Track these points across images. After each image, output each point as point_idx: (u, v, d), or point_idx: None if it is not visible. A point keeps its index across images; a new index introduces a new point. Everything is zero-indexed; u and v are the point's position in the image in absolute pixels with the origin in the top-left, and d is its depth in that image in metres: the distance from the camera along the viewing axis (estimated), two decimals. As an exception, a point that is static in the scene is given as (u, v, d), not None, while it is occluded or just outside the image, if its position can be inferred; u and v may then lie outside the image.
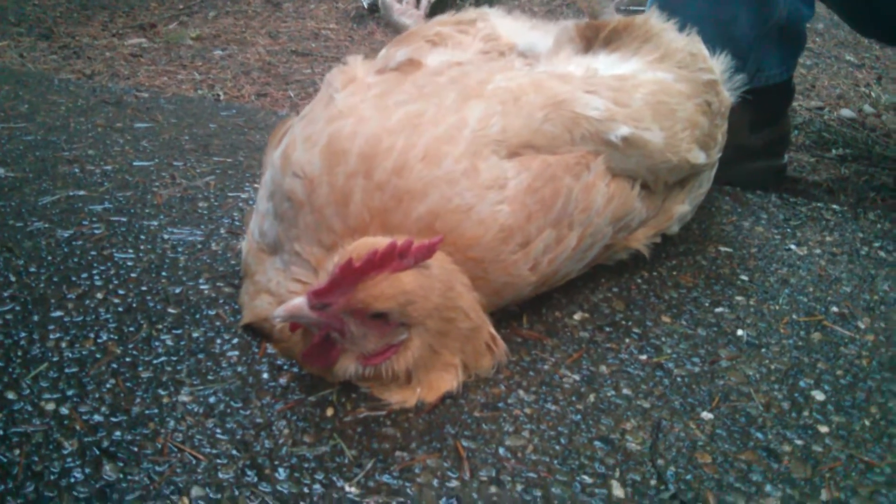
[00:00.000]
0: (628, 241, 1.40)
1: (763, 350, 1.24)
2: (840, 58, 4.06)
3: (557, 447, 1.00)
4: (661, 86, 1.34)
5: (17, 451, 0.93)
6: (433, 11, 3.93)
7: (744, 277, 1.48)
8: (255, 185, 1.75)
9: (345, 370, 1.05)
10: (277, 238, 1.19)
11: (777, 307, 1.38)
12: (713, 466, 0.98)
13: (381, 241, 0.98)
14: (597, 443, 1.01)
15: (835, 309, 1.38)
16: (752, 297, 1.40)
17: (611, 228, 1.33)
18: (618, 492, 0.93)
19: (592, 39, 1.40)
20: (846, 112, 3.18)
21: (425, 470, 0.95)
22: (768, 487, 0.95)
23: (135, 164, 1.82)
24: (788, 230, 1.69)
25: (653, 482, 0.95)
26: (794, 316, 1.35)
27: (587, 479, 0.95)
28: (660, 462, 0.98)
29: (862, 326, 1.34)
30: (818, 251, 1.61)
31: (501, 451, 0.99)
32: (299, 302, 0.95)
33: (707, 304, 1.37)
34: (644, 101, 1.30)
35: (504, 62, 1.36)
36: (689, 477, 0.96)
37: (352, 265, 0.94)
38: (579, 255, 1.29)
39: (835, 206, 1.87)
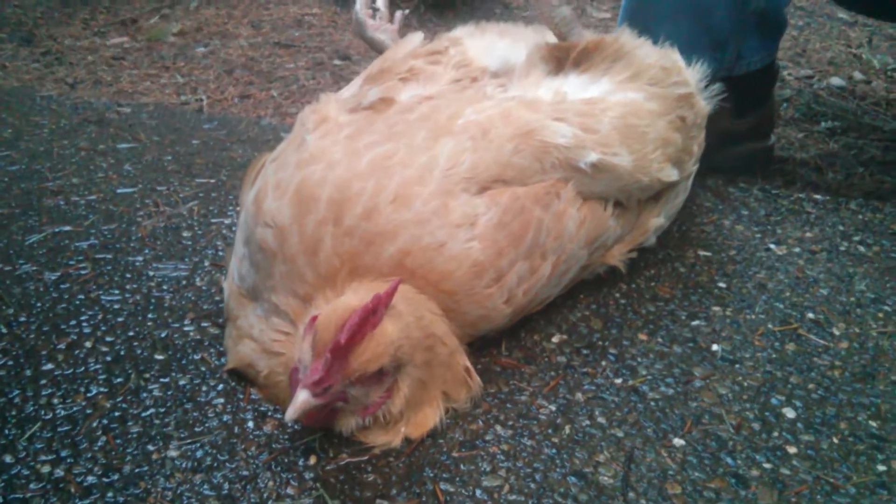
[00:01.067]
0: (605, 258, 1.43)
1: (737, 366, 1.27)
2: (832, 16, 4.03)
3: (532, 485, 1.03)
4: (631, 107, 1.35)
5: (13, 521, 0.97)
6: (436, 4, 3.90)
7: (721, 285, 1.50)
8: (238, 209, 1.77)
9: (347, 426, 1.09)
10: (255, 286, 1.21)
11: (753, 316, 1.40)
12: (682, 497, 1.02)
13: (351, 304, 1.00)
14: (571, 478, 1.05)
15: (810, 315, 1.41)
16: (728, 307, 1.43)
17: (586, 251, 1.35)
18: (591, 531, 0.97)
19: (563, 60, 1.41)
20: (836, 80, 3.17)
21: (406, 517, 0.98)
22: (736, 518, 0.99)
23: (119, 191, 1.85)
24: (769, 227, 1.71)
25: (624, 518, 0.99)
26: (770, 325, 1.38)
27: (561, 519, 0.98)
28: (631, 495, 1.02)
29: (836, 333, 1.37)
30: (797, 249, 1.63)
31: (478, 492, 1.02)
32: (304, 397, 0.97)
33: (684, 318, 1.40)
34: (612, 125, 1.31)
35: (475, 90, 1.37)
36: (659, 511, 1.00)
37: (339, 345, 0.96)
38: (555, 281, 1.32)
39: (817, 197, 1.89)
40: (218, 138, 2.19)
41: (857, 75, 3.15)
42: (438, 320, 1.12)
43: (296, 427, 1.10)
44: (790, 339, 1.34)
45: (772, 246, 1.64)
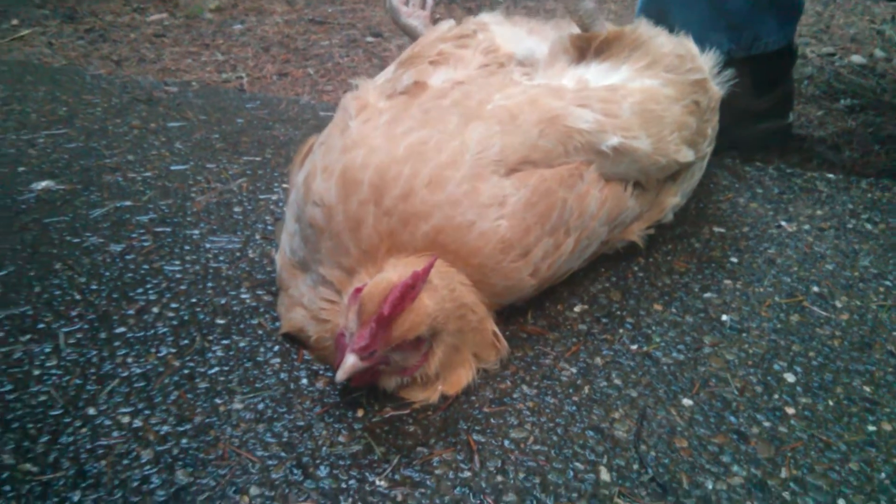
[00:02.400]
0: (624, 234, 1.54)
1: (744, 335, 1.39)
2: (859, -10, 4.04)
3: (555, 437, 1.17)
4: (649, 93, 1.46)
5: (103, 462, 1.13)
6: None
7: (734, 259, 1.61)
8: (284, 185, 1.91)
9: (389, 384, 1.23)
10: (305, 258, 1.35)
11: (762, 289, 1.52)
12: (689, 450, 1.15)
13: (390, 280, 1.13)
14: (589, 432, 1.18)
15: (815, 289, 1.52)
16: (739, 280, 1.54)
17: (606, 228, 1.47)
18: (605, 476, 1.10)
19: (585, 49, 1.52)
20: (857, 58, 3.22)
21: (442, 463, 1.12)
22: (735, 468, 1.12)
23: (172, 168, 1.99)
24: (781, 205, 1.81)
25: (635, 466, 1.12)
26: (777, 298, 1.49)
27: (579, 466, 1.12)
28: (642, 448, 1.15)
29: (839, 305, 1.48)
30: (807, 227, 1.73)
31: (507, 443, 1.16)
32: (352, 361, 1.11)
33: (697, 290, 1.51)
34: (632, 110, 1.42)
35: (503, 75, 1.48)
36: (666, 461, 1.13)
37: (383, 316, 1.10)
38: (577, 255, 1.44)
39: (830, 176, 1.98)
40: (261, 117, 2.32)
41: (879, 53, 3.20)
42: (468, 291, 1.25)
43: (344, 385, 1.24)
44: (795, 310, 1.46)
45: (783, 223, 1.74)
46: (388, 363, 1.18)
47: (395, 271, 1.19)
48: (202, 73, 3.02)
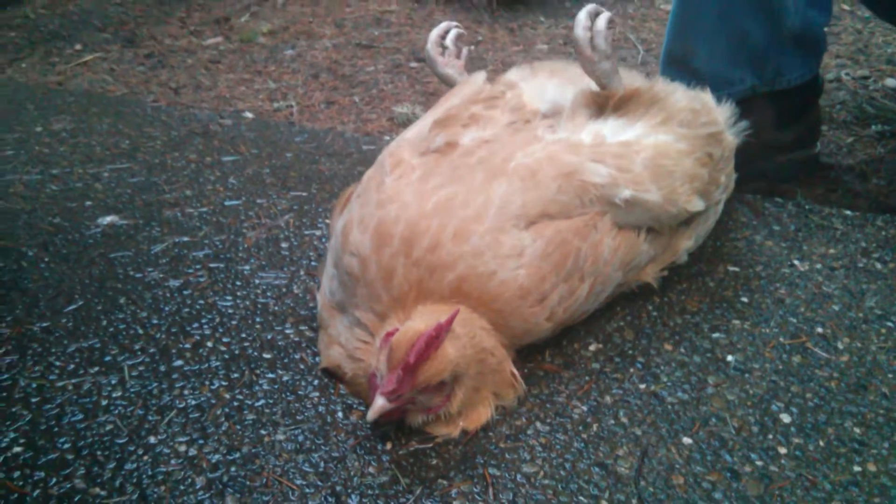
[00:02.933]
0: (639, 276, 1.66)
1: (746, 375, 1.50)
2: (900, 8, 4.04)
3: (563, 472, 1.30)
4: (661, 149, 1.57)
5: (162, 488, 1.30)
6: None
7: (744, 299, 1.71)
8: (327, 221, 2.06)
9: (415, 421, 1.37)
10: (342, 301, 1.50)
11: (768, 330, 1.62)
12: (684, 486, 1.27)
13: (416, 329, 1.27)
14: (594, 468, 1.31)
15: (819, 330, 1.62)
16: (747, 321, 1.65)
17: (621, 273, 1.59)
18: (606, 511, 1.23)
19: (604, 106, 1.64)
20: (891, 81, 3.25)
21: (460, 494, 1.26)
22: (726, 505, 1.23)
23: (226, 203, 2.16)
24: (796, 243, 1.90)
25: (634, 501, 1.24)
26: (782, 339, 1.59)
27: (583, 500, 1.25)
28: (642, 484, 1.27)
29: (840, 347, 1.57)
30: (819, 266, 1.82)
31: (519, 477, 1.29)
32: (381, 403, 1.25)
33: (706, 330, 1.62)
34: (644, 165, 1.54)
35: (527, 132, 1.60)
36: (662, 496, 1.25)
37: (409, 363, 1.24)
38: (593, 298, 1.56)
39: (847, 212, 2.06)
40: (308, 151, 2.49)
41: (914, 76, 3.23)
42: (488, 336, 1.39)
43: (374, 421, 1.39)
44: (798, 351, 1.55)
45: (796, 262, 1.84)
46: (414, 403, 1.33)
47: (422, 320, 1.33)
48: (255, 102, 3.20)
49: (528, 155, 1.52)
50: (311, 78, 3.47)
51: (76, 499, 1.28)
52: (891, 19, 2.74)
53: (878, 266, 1.81)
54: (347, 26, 4.29)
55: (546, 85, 1.76)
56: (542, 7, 4.38)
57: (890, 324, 1.62)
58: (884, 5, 2.46)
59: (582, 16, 1.60)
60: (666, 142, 1.58)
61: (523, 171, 1.49)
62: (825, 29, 2.28)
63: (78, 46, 4.03)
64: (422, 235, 1.40)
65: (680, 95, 1.66)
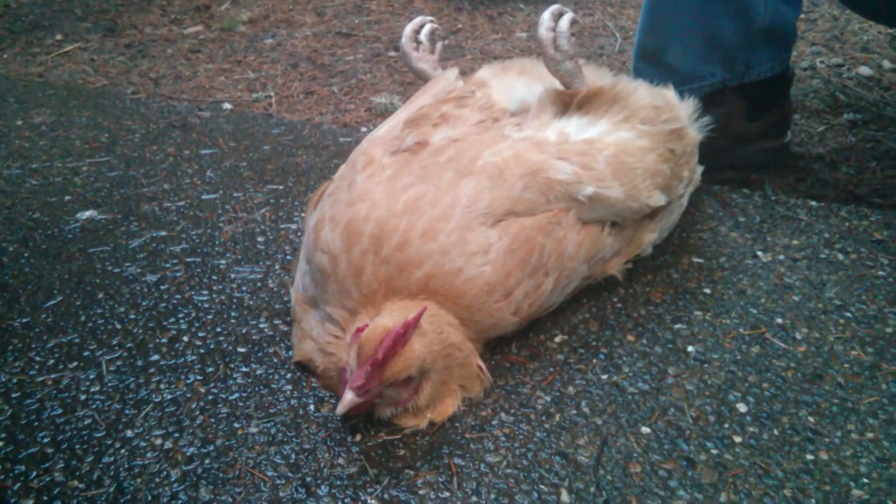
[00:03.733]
0: (604, 269, 1.71)
1: (706, 365, 1.55)
2: (877, -4, 4.07)
3: (525, 462, 1.35)
4: (623, 146, 1.61)
5: (139, 480, 1.34)
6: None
7: (707, 290, 1.77)
8: (302, 215, 2.10)
9: (383, 413, 1.42)
10: (314, 296, 1.54)
11: (728, 321, 1.67)
12: (641, 475, 1.32)
13: (384, 326, 1.32)
14: (555, 457, 1.36)
15: (779, 320, 1.67)
16: (709, 312, 1.70)
17: (585, 266, 1.64)
18: (565, 498, 1.28)
19: (568, 104, 1.67)
20: (864, 70, 3.29)
21: (425, 484, 1.31)
22: (680, 492, 1.29)
23: (203, 197, 2.19)
24: (761, 234, 1.95)
25: (592, 489, 1.29)
26: (741, 329, 1.64)
27: (543, 489, 1.30)
28: (601, 472, 1.32)
29: (798, 337, 1.62)
30: (782, 257, 1.87)
31: (482, 466, 1.34)
32: (350, 397, 1.29)
33: (669, 321, 1.67)
34: (606, 162, 1.58)
35: (496, 130, 1.64)
36: (620, 485, 1.30)
37: (377, 360, 1.28)
38: (558, 292, 1.61)
39: (812, 203, 2.11)
40: (285, 143, 2.52)
41: (886, 64, 3.27)
42: (455, 331, 1.43)
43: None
44: (756, 342, 1.61)
45: (759, 253, 1.89)
46: (383, 397, 1.37)
47: (391, 317, 1.37)
48: (234, 93, 3.22)
49: (496, 153, 1.56)
50: (290, 68, 3.48)
51: (55, 491, 1.32)
52: (862, 12, 2.78)
53: (840, 257, 1.86)
54: (328, 14, 4.30)
55: (515, 83, 1.79)
56: (524, -5, 4.39)
57: (848, 314, 1.67)
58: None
59: (545, 16, 1.63)
60: (628, 139, 1.62)
61: (491, 169, 1.53)
62: (796, 21, 2.31)
63: (59, 37, 4.02)
64: (391, 234, 1.44)
65: (642, 93, 1.70)
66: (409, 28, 1.98)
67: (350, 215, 1.48)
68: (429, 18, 2.00)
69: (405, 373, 1.33)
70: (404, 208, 1.46)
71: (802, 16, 4.05)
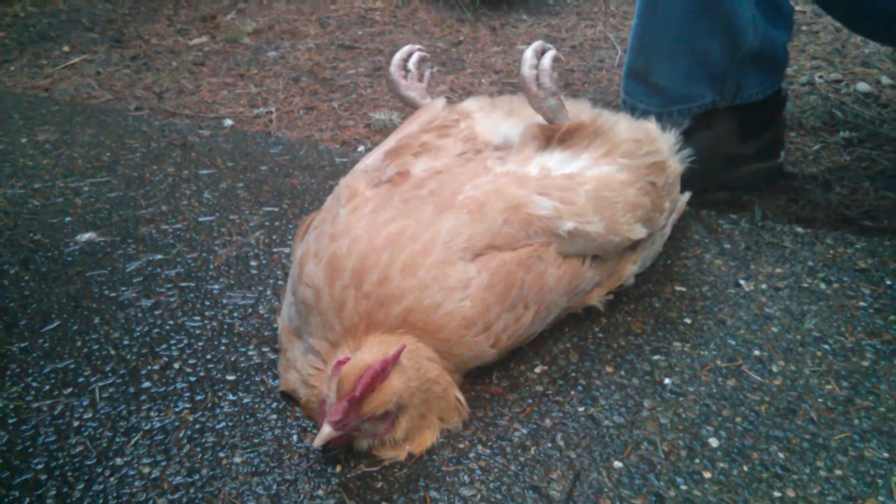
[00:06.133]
0: (585, 300, 1.74)
1: (681, 398, 1.58)
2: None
3: (498, 496, 1.39)
4: (603, 181, 1.64)
5: (126, 509, 1.39)
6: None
7: (687, 320, 1.80)
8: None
9: (361, 445, 1.46)
10: (299, 328, 1.59)
11: (706, 352, 1.70)
12: (611, 511, 1.36)
13: (364, 362, 1.36)
14: (528, 491, 1.40)
15: (756, 352, 1.70)
16: (688, 343, 1.73)
17: (565, 298, 1.67)
18: (536, 534, 1.32)
19: (550, 138, 1.71)
20: (862, 86, 3.30)
21: (402, 517, 1.36)
22: (648, 529, 1.32)
23: (200, 220, 2.24)
24: (745, 262, 1.98)
25: (563, 525, 1.33)
26: (718, 362, 1.67)
27: (516, 524, 1.34)
28: (572, 508, 1.36)
29: (775, 370, 1.65)
30: (764, 286, 1.90)
31: (456, 500, 1.38)
32: (328, 431, 1.33)
33: (647, 352, 1.71)
34: (587, 197, 1.61)
35: (477, 162, 1.68)
36: (590, 521, 1.34)
37: (355, 397, 1.33)
38: (538, 323, 1.64)
39: (798, 229, 2.13)
40: (282, 164, 2.56)
41: (885, 80, 3.28)
42: (433, 366, 1.47)
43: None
44: (733, 375, 1.64)
45: (742, 282, 1.91)
46: (360, 430, 1.42)
47: (371, 352, 1.41)
48: (236, 108, 3.27)
49: (477, 187, 1.60)
50: (291, 82, 3.53)
51: (46, 519, 1.37)
52: (861, 32, 2.79)
53: (822, 286, 1.89)
54: (332, 25, 4.34)
55: (501, 121, 1.83)
56: (525, 4, 4.42)
57: (826, 346, 1.70)
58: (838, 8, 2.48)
59: (528, 54, 1.67)
60: (608, 173, 1.66)
61: (471, 204, 1.56)
62: (786, 45, 2.33)
63: (66, 48, 4.09)
64: (371, 269, 1.48)
65: (623, 126, 1.73)
66: (398, 57, 2.02)
67: (333, 250, 1.52)
68: (417, 47, 2.04)
69: (382, 408, 1.37)
70: (385, 243, 1.50)
71: (804, 27, 4.06)
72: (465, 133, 1.74)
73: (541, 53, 1.68)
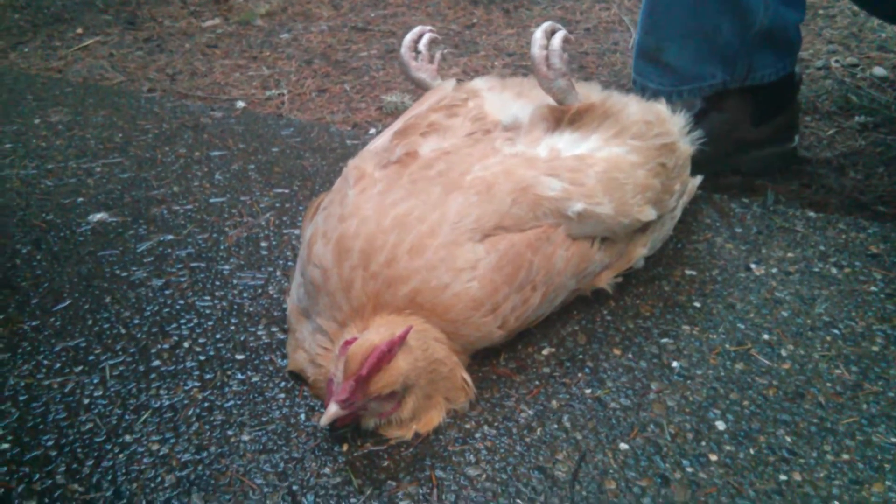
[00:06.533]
0: (594, 282, 1.74)
1: (689, 381, 1.58)
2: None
3: (504, 476, 1.39)
4: (613, 162, 1.63)
5: (135, 485, 1.40)
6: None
7: (697, 304, 1.79)
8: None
9: (368, 424, 1.47)
10: (307, 308, 1.59)
11: (715, 336, 1.70)
12: (615, 492, 1.36)
13: (371, 342, 1.36)
14: (534, 472, 1.40)
15: (766, 336, 1.69)
16: (696, 326, 1.72)
17: (574, 281, 1.67)
18: (541, 514, 1.33)
19: (560, 119, 1.70)
20: (878, 70, 3.26)
21: (406, 496, 1.36)
22: (653, 510, 1.33)
23: (211, 201, 2.25)
24: (756, 246, 1.97)
25: (568, 506, 1.34)
26: (727, 345, 1.67)
27: (520, 503, 1.35)
28: (576, 488, 1.37)
29: (784, 354, 1.65)
30: (774, 270, 1.89)
31: (462, 479, 1.39)
32: (334, 410, 1.34)
33: (656, 335, 1.70)
34: (597, 178, 1.61)
35: (486, 143, 1.67)
36: (594, 501, 1.34)
37: (362, 375, 1.33)
38: (546, 305, 1.64)
39: (811, 214, 2.12)
40: (293, 146, 2.56)
41: (903, 64, 3.23)
42: (440, 346, 1.48)
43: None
44: (741, 358, 1.63)
45: (753, 266, 1.90)
46: (367, 409, 1.42)
47: (378, 332, 1.42)
48: (248, 90, 3.27)
49: (485, 168, 1.59)
50: (304, 64, 3.52)
51: (56, 494, 1.39)
52: (878, 14, 2.75)
53: (834, 271, 1.87)
54: (345, 7, 4.33)
55: (510, 101, 1.82)
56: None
57: (836, 331, 1.69)
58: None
59: (538, 34, 1.65)
60: (618, 154, 1.65)
61: (479, 184, 1.56)
62: (799, 25, 2.30)
63: (79, 30, 4.10)
64: (379, 250, 1.48)
65: (633, 108, 1.72)
66: (408, 38, 2.01)
67: (341, 231, 1.52)
68: (428, 28, 2.03)
69: (389, 388, 1.38)
70: (393, 224, 1.50)
71: (821, 11, 4.00)
72: (473, 112, 1.73)
73: (551, 34, 1.67)
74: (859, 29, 3.72)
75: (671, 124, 1.78)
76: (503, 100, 1.80)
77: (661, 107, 1.82)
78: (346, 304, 1.50)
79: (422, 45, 2.03)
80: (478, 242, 1.53)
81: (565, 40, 1.66)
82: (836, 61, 3.37)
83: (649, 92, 2.23)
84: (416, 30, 2.03)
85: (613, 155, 1.65)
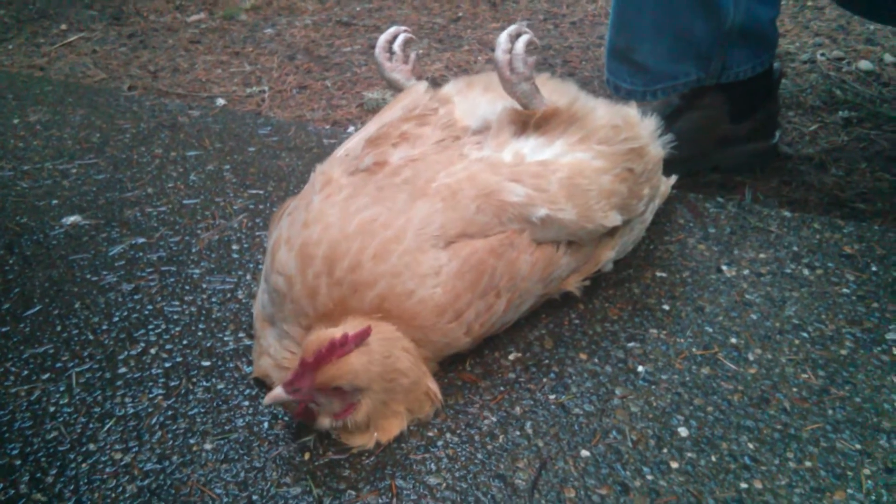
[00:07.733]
0: (561, 286, 1.73)
1: (653, 387, 1.58)
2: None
3: (464, 484, 1.39)
4: (577, 168, 1.62)
5: (96, 495, 1.41)
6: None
7: (665, 307, 1.78)
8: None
9: (323, 424, 1.47)
10: (272, 315, 1.59)
11: (682, 340, 1.69)
12: (575, 500, 1.36)
13: (329, 335, 1.36)
14: (494, 480, 1.40)
15: (733, 340, 1.69)
16: (664, 330, 1.72)
17: (541, 285, 1.66)
18: (499, 523, 1.33)
19: (526, 123, 1.69)
20: (864, 64, 3.24)
21: (366, 506, 1.36)
22: (611, 519, 1.32)
23: (184, 202, 2.24)
24: (728, 247, 1.96)
25: (526, 515, 1.34)
26: (694, 349, 1.66)
27: (479, 513, 1.34)
28: (536, 496, 1.36)
29: (751, 358, 1.64)
30: (746, 272, 1.88)
31: (422, 488, 1.39)
32: (279, 391, 1.36)
33: (623, 339, 1.70)
34: (559, 184, 1.60)
35: (454, 150, 1.66)
36: (553, 511, 1.34)
37: (306, 361, 1.34)
38: (512, 311, 1.64)
39: (786, 213, 2.11)
40: (270, 145, 2.55)
41: (888, 57, 3.21)
42: (405, 357, 1.47)
43: (294, 427, 1.48)
44: (707, 363, 1.63)
45: (724, 267, 1.90)
46: (317, 402, 1.42)
47: (342, 328, 1.42)
48: (229, 87, 3.26)
49: (451, 175, 1.58)
50: (286, 60, 3.51)
51: (20, 503, 1.39)
52: (862, 13, 2.72)
53: (806, 272, 1.87)
54: (330, 1, 4.30)
55: (479, 100, 1.80)
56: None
57: (805, 334, 1.69)
58: None
59: (502, 38, 1.64)
60: (582, 160, 1.64)
61: (444, 191, 1.55)
62: (775, 21, 2.28)
63: (64, 26, 4.08)
64: (342, 256, 1.48)
65: (601, 112, 1.70)
66: (383, 38, 2.00)
67: (304, 237, 1.52)
68: (403, 28, 2.02)
69: (334, 382, 1.38)
70: (357, 230, 1.50)
71: (809, 3, 3.98)
72: (443, 120, 1.72)
73: (515, 37, 1.66)
74: (847, 21, 3.69)
75: (640, 128, 1.76)
76: (471, 100, 1.79)
77: (631, 110, 1.80)
78: (312, 311, 1.50)
79: (396, 46, 2.02)
80: (441, 249, 1.52)
81: (530, 44, 1.65)
82: (822, 54, 3.35)
83: (623, 91, 2.22)
84: (391, 30, 2.01)
85: (577, 160, 1.64)
